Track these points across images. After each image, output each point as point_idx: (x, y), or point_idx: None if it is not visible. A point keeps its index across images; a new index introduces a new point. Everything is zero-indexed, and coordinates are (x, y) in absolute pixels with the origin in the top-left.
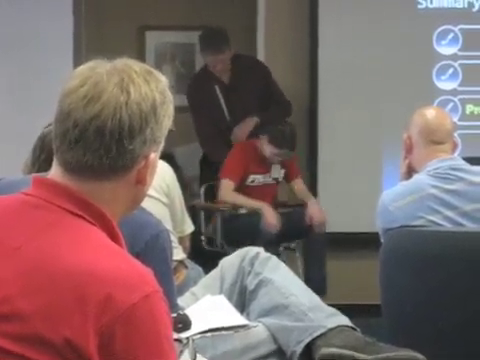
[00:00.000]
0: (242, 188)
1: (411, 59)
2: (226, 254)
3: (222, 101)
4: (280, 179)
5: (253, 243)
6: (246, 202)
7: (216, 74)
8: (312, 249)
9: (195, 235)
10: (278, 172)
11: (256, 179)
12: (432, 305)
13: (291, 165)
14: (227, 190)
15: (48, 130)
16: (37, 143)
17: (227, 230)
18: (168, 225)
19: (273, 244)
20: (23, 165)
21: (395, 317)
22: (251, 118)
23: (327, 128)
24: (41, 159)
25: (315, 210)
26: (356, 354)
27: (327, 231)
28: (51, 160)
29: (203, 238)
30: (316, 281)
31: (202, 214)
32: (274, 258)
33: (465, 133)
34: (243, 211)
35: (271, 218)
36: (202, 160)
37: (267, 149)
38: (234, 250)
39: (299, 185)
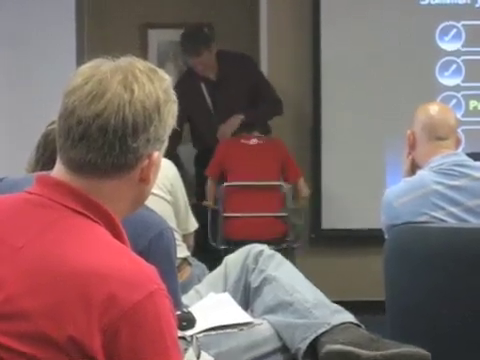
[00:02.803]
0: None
1: (414, 55)
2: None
3: (208, 98)
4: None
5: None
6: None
7: (201, 73)
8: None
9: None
10: None
11: None
12: (436, 301)
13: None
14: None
15: (51, 128)
16: (40, 141)
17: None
18: (172, 223)
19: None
20: (26, 164)
21: (399, 313)
22: (237, 116)
23: (330, 125)
24: (44, 157)
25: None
26: (360, 351)
27: (331, 228)
28: (54, 158)
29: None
30: None
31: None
32: (278, 255)
33: (468, 129)
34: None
35: None
36: (196, 159)
37: None
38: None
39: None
